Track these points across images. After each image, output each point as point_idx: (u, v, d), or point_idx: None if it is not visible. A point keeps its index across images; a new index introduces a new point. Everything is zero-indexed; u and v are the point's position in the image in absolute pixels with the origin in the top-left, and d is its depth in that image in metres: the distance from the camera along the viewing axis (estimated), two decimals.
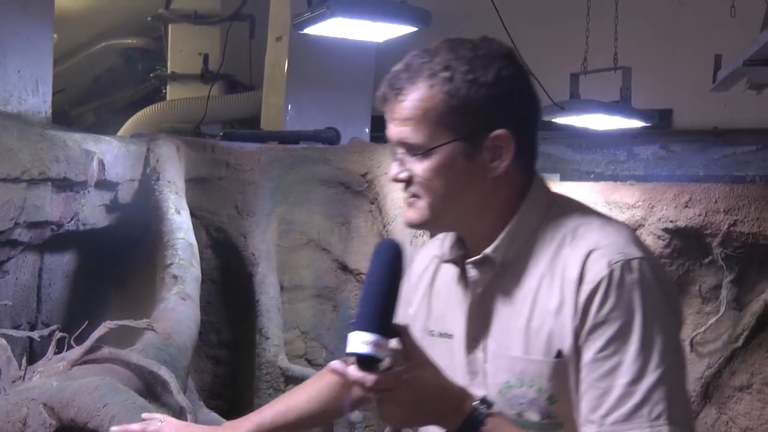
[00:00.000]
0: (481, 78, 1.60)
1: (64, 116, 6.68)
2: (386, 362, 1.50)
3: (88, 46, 8.99)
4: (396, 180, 1.69)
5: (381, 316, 1.50)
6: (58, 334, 3.31)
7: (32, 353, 3.59)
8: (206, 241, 4.54)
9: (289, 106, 6.41)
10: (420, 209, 1.68)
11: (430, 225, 1.79)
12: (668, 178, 6.12)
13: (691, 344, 4.24)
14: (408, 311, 1.90)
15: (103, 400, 2.54)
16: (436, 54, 1.64)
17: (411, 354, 1.54)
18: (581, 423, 1.56)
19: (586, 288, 1.55)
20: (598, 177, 6.38)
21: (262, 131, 6.21)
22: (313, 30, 4.54)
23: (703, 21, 6.29)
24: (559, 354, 1.58)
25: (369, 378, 1.46)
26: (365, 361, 1.47)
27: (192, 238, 4.16)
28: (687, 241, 4.28)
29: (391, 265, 1.55)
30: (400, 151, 1.68)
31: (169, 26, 7.80)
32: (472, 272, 1.71)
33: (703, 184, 4.33)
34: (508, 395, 1.65)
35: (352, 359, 1.49)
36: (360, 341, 1.47)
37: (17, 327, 3.51)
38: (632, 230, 1.72)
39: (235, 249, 4.76)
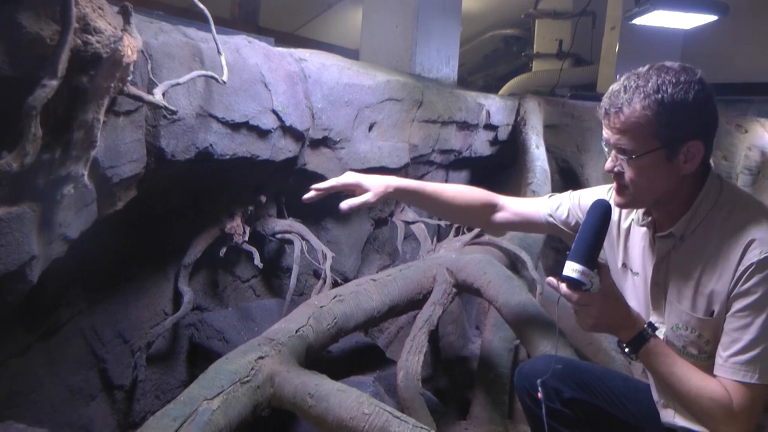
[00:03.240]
0: (684, 99, 1.51)
1: (463, 81, 6.78)
2: (589, 286, 1.56)
3: (480, 34, 9.04)
4: (610, 172, 1.64)
5: (589, 253, 1.56)
6: (456, 224, 3.41)
7: (439, 235, 3.72)
8: (555, 168, 4.44)
9: (617, 75, 6.07)
10: (626, 197, 1.65)
11: (631, 207, 1.77)
12: None
13: None
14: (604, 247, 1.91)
15: (484, 269, 2.58)
16: (648, 79, 1.54)
17: (604, 284, 1.57)
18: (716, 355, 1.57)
19: (742, 268, 1.51)
20: None
21: (595, 93, 6.00)
22: (639, 21, 4.48)
23: None
24: (712, 314, 1.57)
25: (573, 296, 1.56)
26: (572, 283, 1.55)
27: (546, 166, 4.07)
28: None
29: (602, 219, 1.59)
30: (613, 152, 1.61)
31: (536, 21, 7.69)
32: (659, 241, 1.69)
33: None
34: (677, 333, 1.65)
35: (564, 280, 1.56)
36: (571, 269, 1.55)
37: (430, 217, 3.60)
38: None
39: (575, 175, 4.63)
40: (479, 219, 2.20)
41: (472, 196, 2.15)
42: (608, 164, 1.64)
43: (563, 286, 1.57)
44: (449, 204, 2.12)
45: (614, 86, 1.60)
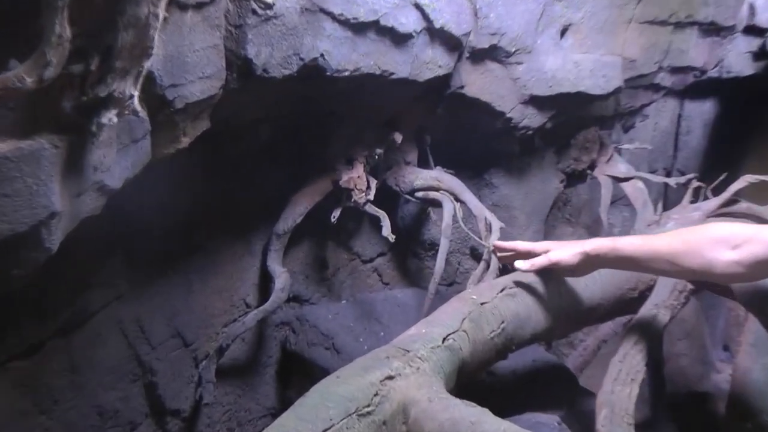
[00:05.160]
0: None
1: None
2: None
3: None
4: None
5: None
6: (695, 183, 3.29)
7: (666, 200, 3.61)
8: None
9: None
10: None
11: None
12: None
13: None
14: None
15: None
16: None
17: None
18: None
19: None
20: None
21: None
22: None
23: None
24: None
25: None
26: None
27: None
28: None
29: None
30: None
31: None
32: None
33: None
34: None
35: None
36: None
37: (653, 172, 3.54)
38: None
39: None
40: (715, 265, 2.11)
41: (695, 230, 2.19)
42: None
43: None
44: (668, 251, 2.15)
45: None
